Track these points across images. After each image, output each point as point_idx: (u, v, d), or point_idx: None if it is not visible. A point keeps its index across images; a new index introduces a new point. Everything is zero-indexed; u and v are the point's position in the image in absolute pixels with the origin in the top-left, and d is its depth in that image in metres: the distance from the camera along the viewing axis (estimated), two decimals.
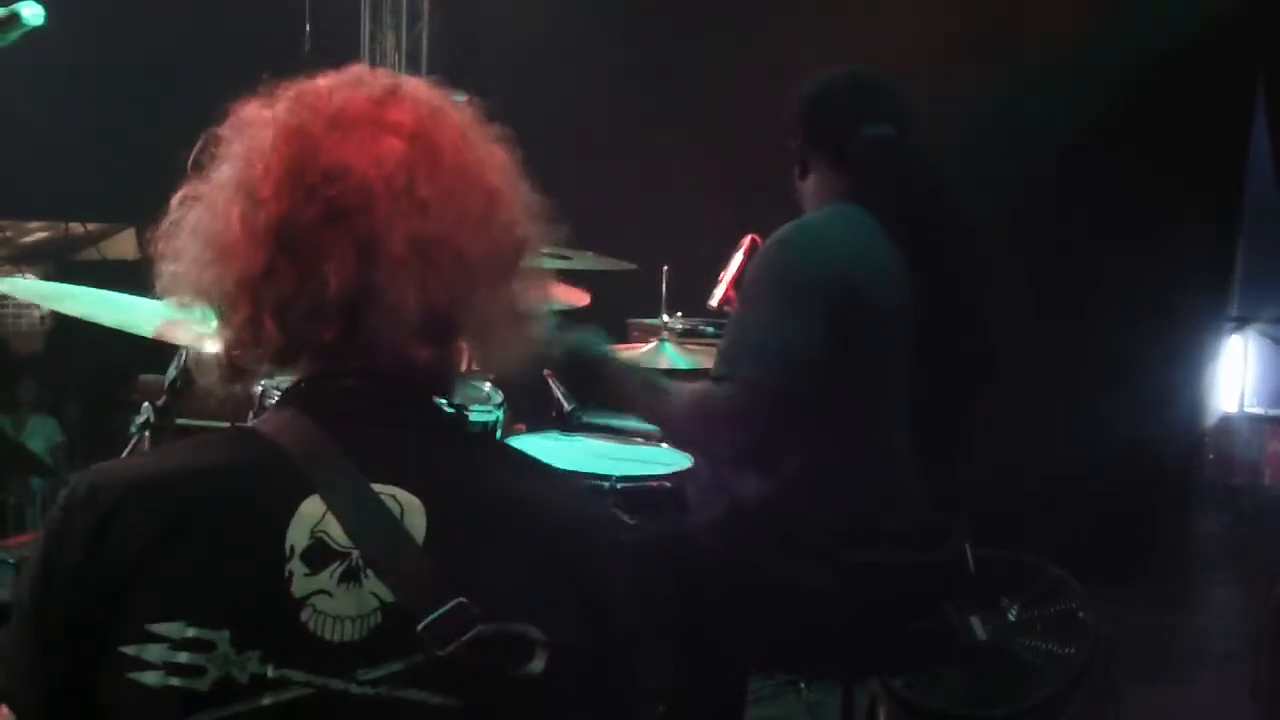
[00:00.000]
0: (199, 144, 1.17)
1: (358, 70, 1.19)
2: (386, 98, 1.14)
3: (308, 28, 5.75)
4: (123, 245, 6.91)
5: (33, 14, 1.89)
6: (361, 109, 1.13)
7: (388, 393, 1.13)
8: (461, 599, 1.01)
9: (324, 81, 1.17)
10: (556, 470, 1.26)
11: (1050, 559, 3.67)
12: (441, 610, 1.00)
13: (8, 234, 6.63)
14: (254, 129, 1.14)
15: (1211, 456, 6.44)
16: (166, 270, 1.17)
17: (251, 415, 2.91)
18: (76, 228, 6.80)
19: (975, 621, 2.24)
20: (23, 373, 6.35)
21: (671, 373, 3.09)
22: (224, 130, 1.16)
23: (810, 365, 2.06)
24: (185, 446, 1.16)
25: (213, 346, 1.18)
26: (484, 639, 1.01)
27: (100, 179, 5.81)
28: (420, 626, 1.00)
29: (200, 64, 5.53)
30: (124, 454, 2.11)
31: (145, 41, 5.77)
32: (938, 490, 2.26)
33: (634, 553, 1.25)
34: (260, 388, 2.89)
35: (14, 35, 1.88)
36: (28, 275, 6.39)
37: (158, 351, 2.17)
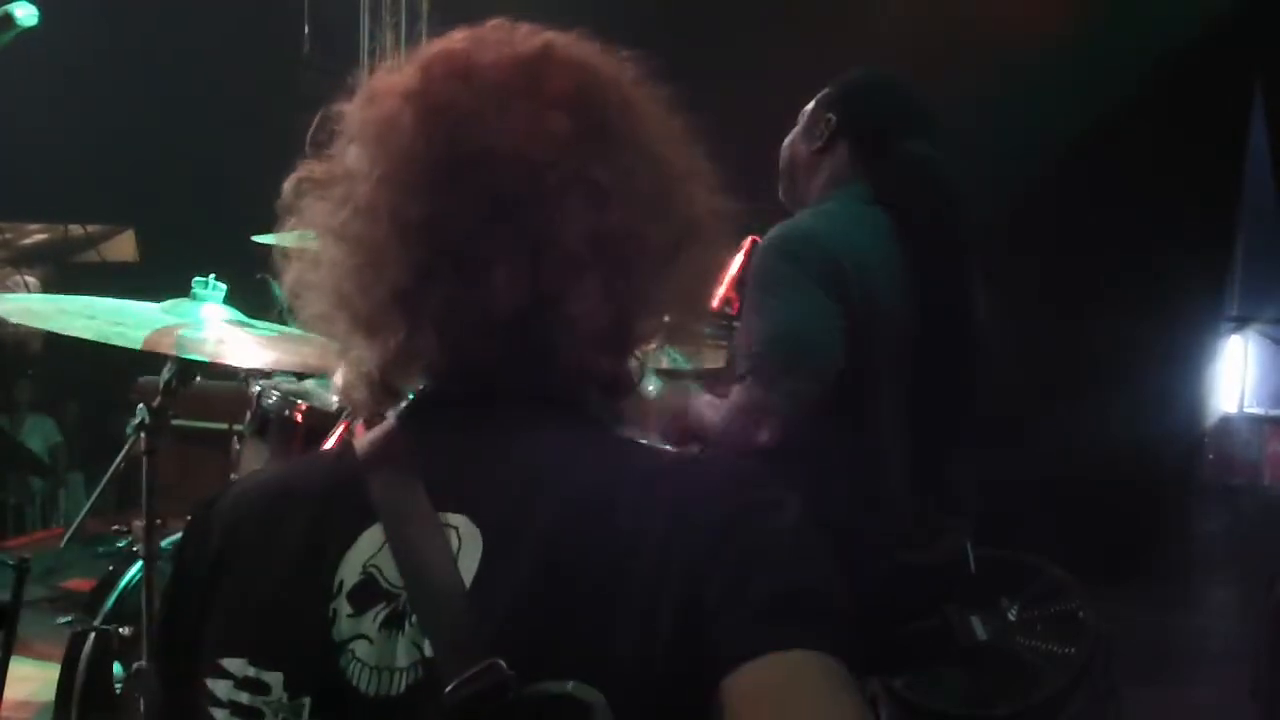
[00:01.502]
0: (317, 120, 0.99)
1: (499, 28, 0.99)
2: (541, 63, 0.96)
3: (307, 28, 5.76)
4: (122, 247, 6.92)
5: (26, 15, 1.88)
6: (514, 78, 0.95)
7: (541, 405, 0.95)
8: (496, 659, 0.83)
9: (460, 42, 0.98)
10: (691, 476, 0.97)
11: (1050, 559, 3.67)
12: (469, 672, 0.83)
13: (7, 236, 6.62)
14: (386, 101, 0.95)
15: (1211, 456, 6.43)
16: (293, 273, 1.00)
17: (248, 416, 2.89)
18: (76, 229, 6.79)
19: (975, 621, 2.23)
20: (20, 373, 6.36)
21: (672, 373, 3.08)
22: (350, 105, 0.98)
23: (837, 346, 2.07)
24: (294, 462, 1.06)
25: (355, 363, 0.99)
26: (520, 706, 0.83)
27: (100, 180, 5.82)
28: (446, 690, 0.83)
29: (200, 64, 5.55)
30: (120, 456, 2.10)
31: (145, 42, 5.77)
32: (938, 489, 2.26)
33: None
34: (258, 387, 2.88)
35: (8, 36, 1.87)
36: (28, 277, 6.39)
37: (154, 353, 2.16)
